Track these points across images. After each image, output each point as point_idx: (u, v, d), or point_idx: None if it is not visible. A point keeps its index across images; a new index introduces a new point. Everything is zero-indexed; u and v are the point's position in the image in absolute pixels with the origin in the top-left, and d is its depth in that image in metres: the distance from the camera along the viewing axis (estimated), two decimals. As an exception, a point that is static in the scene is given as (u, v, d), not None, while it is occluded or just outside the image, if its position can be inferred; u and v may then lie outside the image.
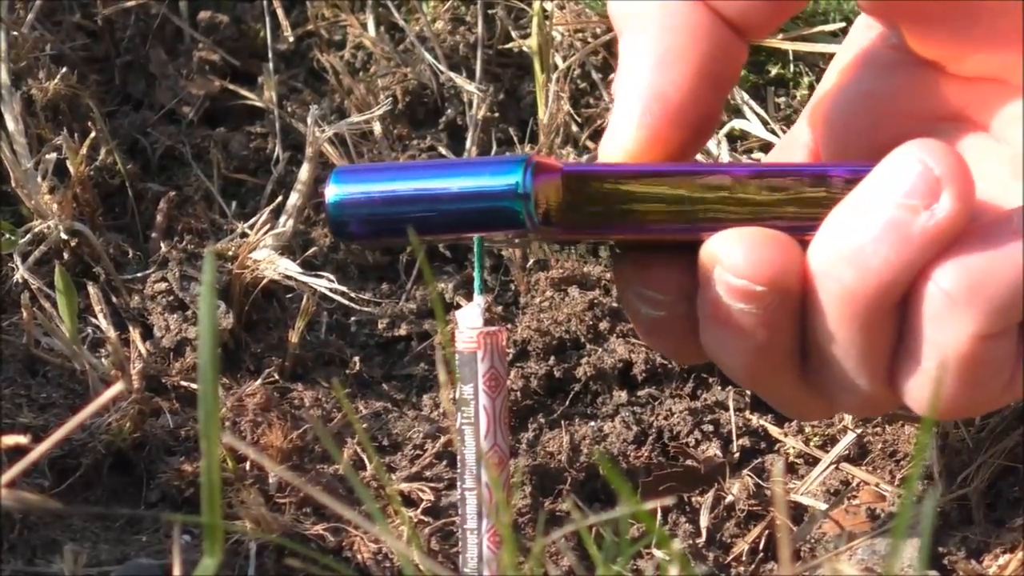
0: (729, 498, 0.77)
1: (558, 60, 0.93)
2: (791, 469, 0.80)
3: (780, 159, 0.73)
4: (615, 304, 0.84)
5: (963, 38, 0.65)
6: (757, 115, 0.92)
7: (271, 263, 0.84)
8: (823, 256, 0.61)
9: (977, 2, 0.63)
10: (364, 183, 0.64)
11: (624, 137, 0.65)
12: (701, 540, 0.75)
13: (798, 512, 0.77)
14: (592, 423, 0.81)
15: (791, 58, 0.94)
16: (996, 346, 0.61)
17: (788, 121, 0.92)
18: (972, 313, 0.60)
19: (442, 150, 0.92)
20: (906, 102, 0.68)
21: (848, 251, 0.61)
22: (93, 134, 0.86)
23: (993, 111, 0.66)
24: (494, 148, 0.92)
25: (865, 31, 0.70)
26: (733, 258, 0.62)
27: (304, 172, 0.87)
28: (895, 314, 0.61)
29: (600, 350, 0.83)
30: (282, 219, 0.86)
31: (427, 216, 0.63)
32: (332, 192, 0.64)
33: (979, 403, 0.64)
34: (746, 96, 0.92)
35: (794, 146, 0.72)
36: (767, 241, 0.62)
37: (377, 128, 0.91)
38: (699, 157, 0.89)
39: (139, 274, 0.85)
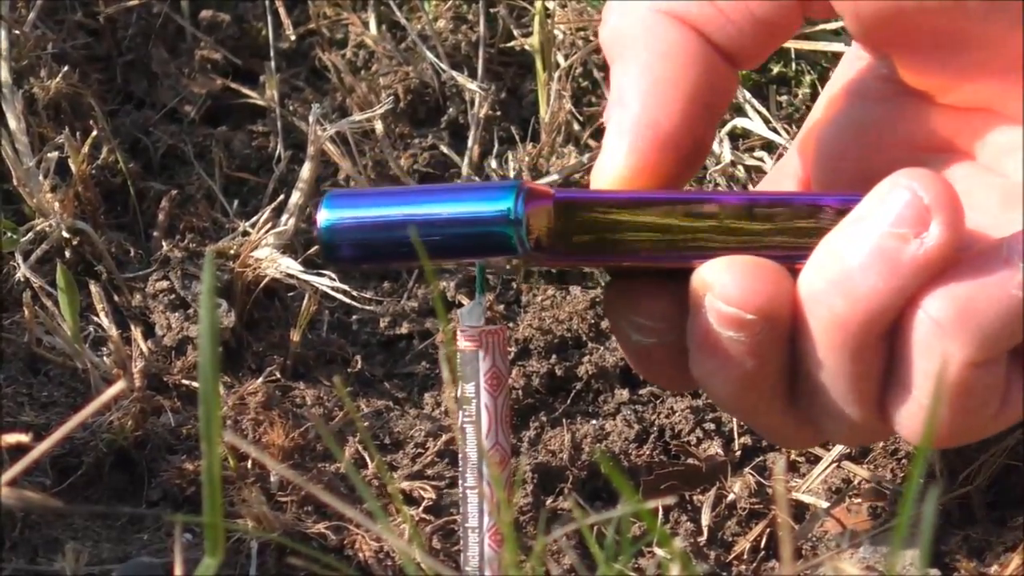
0: (730, 496, 0.77)
1: (560, 59, 0.93)
2: (792, 467, 0.80)
3: (771, 188, 0.74)
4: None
5: (954, 69, 0.65)
6: (759, 113, 0.92)
7: (273, 262, 0.84)
8: (813, 284, 0.62)
9: (968, 34, 0.64)
10: (356, 208, 0.64)
11: (616, 164, 0.66)
12: (702, 539, 0.75)
13: (799, 510, 0.77)
14: (594, 421, 0.81)
15: (793, 56, 0.94)
16: (985, 374, 0.61)
17: (790, 120, 0.92)
18: (960, 341, 0.60)
19: (444, 149, 0.92)
20: (896, 132, 0.68)
21: (837, 279, 0.61)
22: (95, 133, 0.86)
23: (983, 140, 0.66)
24: (496, 147, 0.92)
25: (855, 61, 0.70)
26: (724, 286, 0.62)
27: (306, 171, 0.87)
28: (884, 342, 0.61)
29: (602, 348, 0.83)
30: (284, 218, 0.86)
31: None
32: (324, 216, 0.64)
33: (970, 430, 0.64)
34: (748, 94, 0.92)
35: (784, 176, 0.72)
36: (758, 269, 0.62)
37: (379, 127, 0.91)
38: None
39: (141, 272, 0.85)
